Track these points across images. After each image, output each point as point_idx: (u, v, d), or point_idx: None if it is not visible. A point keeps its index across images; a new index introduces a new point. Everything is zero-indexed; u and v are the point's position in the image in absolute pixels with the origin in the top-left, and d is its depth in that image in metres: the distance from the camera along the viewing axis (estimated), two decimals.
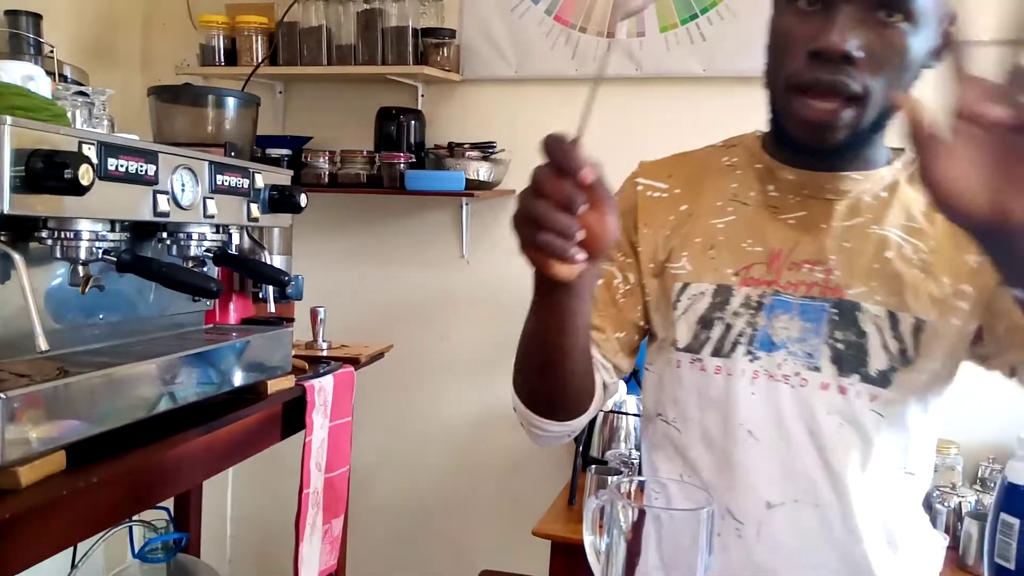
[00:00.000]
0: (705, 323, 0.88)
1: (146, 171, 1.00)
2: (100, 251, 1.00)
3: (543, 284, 0.73)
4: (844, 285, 0.84)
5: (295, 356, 1.54)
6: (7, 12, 1.82)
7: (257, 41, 2.13)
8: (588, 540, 0.62)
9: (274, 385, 1.34)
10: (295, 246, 2.16)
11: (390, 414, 2.32)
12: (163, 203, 1.04)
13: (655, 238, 0.93)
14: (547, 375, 0.84)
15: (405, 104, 2.18)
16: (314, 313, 1.71)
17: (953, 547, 1.71)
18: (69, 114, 1.26)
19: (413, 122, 2.14)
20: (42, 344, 0.85)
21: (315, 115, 2.32)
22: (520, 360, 0.87)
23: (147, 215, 1.02)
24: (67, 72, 1.94)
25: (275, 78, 2.26)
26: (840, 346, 0.83)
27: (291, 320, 1.51)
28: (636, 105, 2.05)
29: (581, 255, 0.65)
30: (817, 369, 0.83)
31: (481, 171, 2.05)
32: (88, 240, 0.97)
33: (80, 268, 0.99)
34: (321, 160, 2.11)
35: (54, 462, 0.90)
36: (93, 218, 0.96)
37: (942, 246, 0.84)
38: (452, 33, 2.11)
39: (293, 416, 1.43)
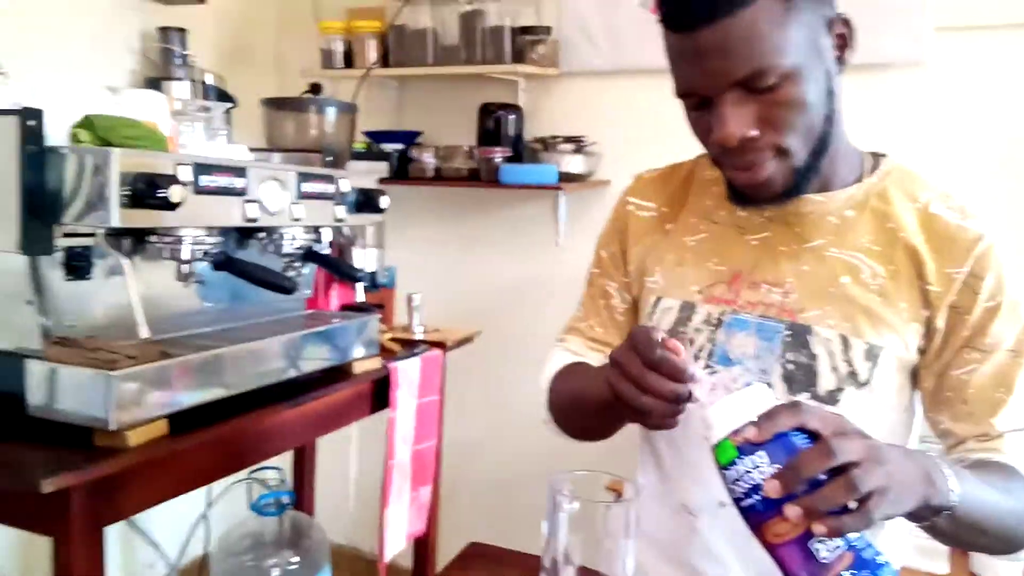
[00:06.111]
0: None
1: (236, 184, 1.18)
2: (201, 252, 1.18)
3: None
4: (798, 308, 0.87)
5: (392, 339, 1.71)
6: (160, 29, 2.09)
7: (369, 45, 2.30)
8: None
9: (360, 366, 1.50)
10: (401, 237, 2.33)
11: (491, 394, 2.46)
12: (252, 211, 1.21)
13: (642, 255, 1.00)
14: (593, 432, 0.98)
15: (507, 99, 2.28)
16: (409, 299, 1.87)
17: None
18: (192, 126, 1.46)
19: (512, 117, 2.24)
20: (143, 332, 1.04)
21: (427, 111, 2.47)
22: (569, 414, 1.00)
23: (239, 221, 1.20)
24: (208, 79, 2.21)
25: (388, 78, 2.43)
26: (791, 366, 0.87)
27: (381, 307, 1.67)
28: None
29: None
30: (769, 386, 0.87)
31: (573, 164, 2.13)
32: (189, 244, 1.15)
33: (184, 266, 1.17)
34: (427, 156, 2.27)
35: (158, 428, 1.09)
36: (192, 226, 1.14)
37: (901, 271, 0.85)
38: (547, 30, 2.19)
39: (382, 394, 1.60)
